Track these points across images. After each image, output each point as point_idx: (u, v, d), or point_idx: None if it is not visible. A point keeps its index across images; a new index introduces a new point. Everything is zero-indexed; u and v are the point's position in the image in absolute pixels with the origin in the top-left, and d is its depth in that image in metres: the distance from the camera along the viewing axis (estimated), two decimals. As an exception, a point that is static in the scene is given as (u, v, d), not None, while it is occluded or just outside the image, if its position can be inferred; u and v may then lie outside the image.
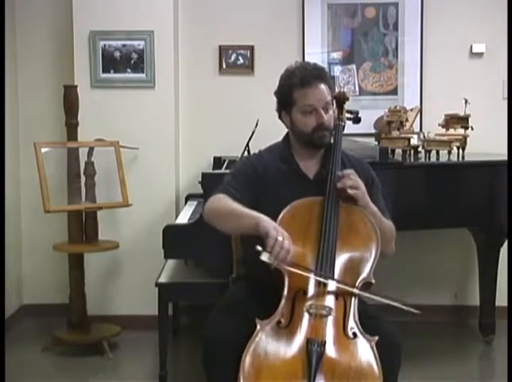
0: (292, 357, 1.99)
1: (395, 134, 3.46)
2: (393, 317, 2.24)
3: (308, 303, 2.10)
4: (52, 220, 3.88)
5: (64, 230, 3.73)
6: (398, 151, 3.41)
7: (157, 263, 3.40)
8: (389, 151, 3.34)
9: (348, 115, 2.55)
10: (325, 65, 4.09)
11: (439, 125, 3.74)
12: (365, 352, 2.02)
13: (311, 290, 2.14)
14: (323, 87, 2.36)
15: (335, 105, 2.49)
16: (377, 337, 2.04)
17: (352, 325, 2.08)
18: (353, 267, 2.22)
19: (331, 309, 2.10)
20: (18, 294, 4.18)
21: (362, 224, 2.29)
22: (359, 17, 4.12)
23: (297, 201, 2.29)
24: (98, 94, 3.93)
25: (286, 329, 2.06)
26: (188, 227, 3.06)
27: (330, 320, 2.07)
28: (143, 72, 3.94)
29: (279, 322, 2.07)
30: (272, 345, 2.02)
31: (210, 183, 3.05)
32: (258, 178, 2.39)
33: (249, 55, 4.10)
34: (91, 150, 3.74)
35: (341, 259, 2.21)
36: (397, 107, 3.59)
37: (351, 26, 4.13)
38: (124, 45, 3.93)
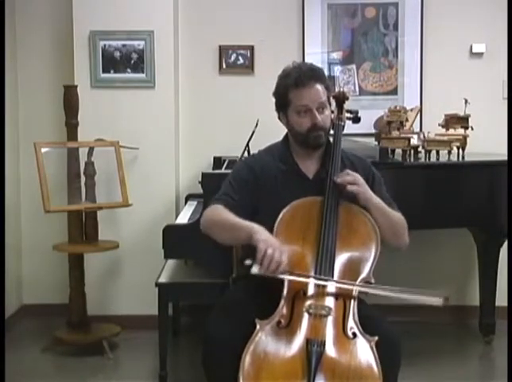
0: (292, 357, 1.99)
1: (395, 134, 3.46)
2: (392, 316, 2.24)
3: (308, 303, 2.11)
4: (52, 220, 3.88)
5: (64, 230, 3.74)
6: (398, 151, 3.42)
7: (157, 263, 3.40)
8: (389, 151, 3.35)
9: (348, 115, 2.55)
10: (325, 65, 4.10)
11: (439, 125, 3.74)
12: (365, 352, 2.02)
13: (310, 290, 2.14)
14: (318, 87, 2.36)
15: (334, 105, 2.49)
16: (376, 337, 2.04)
17: (352, 325, 2.08)
18: (352, 267, 2.22)
19: (330, 309, 2.10)
20: (18, 294, 4.18)
21: (361, 223, 2.29)
22: (359, 17, 4.11)
23: (297, 201, 2.29)
24: (98, 94, 3.93)
25: (286, 330, 2.06)
26: (188, 227, 3.06)
27: (329, 320, 2.07)
28: (143, 72, 3.94)
29: (279, 322, 2.07)
30: (272, 345, 2.02)
31: (210, 183, 3.06)
32: (256, 180, 2.40)
33: (249, 55, 4.11)
34: (91, 150, 3.74)
35: (340, 259, 2.22)
36: (397, 107, 3.59)
37: (351, 26, 4.13)
38: (124, 45, 3.93)
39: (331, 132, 2.47)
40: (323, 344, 1.99)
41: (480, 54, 4.11)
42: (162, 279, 3.15)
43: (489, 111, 4.05)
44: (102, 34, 3.91)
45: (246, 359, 1.99)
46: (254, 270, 2.08)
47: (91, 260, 3.88)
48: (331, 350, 2.00)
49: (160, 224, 3.14)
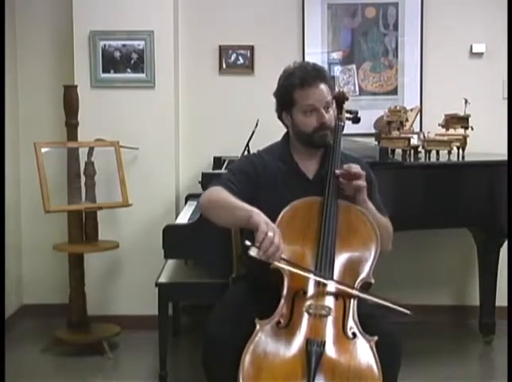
0: (292, 357, 1.99)
1: (395, 134, 3.46)
2: (393, 317, 2.24)
3: (308, 303, 2.10)
4: (52, 220, 3.88)
5: (64, 230, 3.74)
6: (398, 151, 3.42)
7: (157, 263, 3.40)
8: (389, 151, 3.35)
9: (348, 115, 2.55)
10: (325, 65, 4.10)
11: (439, 125, 3.74)
12: (364, 352, 2.01)
13: (310, 290, 2.14)
14: (323, 86, 2.36)
15: (334, 105, 2.49)
16: (376, 337, 2.04)
17: (352, 324, 2.08)
18: (352, 267, 2.22)
19: (330, 309, 2.09)
20: (18, 294, 4.18)
21: (361, 223, 2.29)
22: (359, 17, 4.11)
23: (297, 201, 2.29)
24: (98, 94, 3.93)
25: (286, 329, 2.05)
26: (188, 227, 3.06)
27: (329, 320, 2.07)
28: (143, 72, 3.94)
29: (278, 322, 2.07)
30: (271, 345, 2.02)
31: (210, 183, 3.05)
32: (258, 177, 2.40)
33: (249, 55, 4.11)
34: (91, 150, 3.74)
35: (340, 259, 2.22)
36: (397, 107, 3.59)
37: (351, 26, 4.13)
38: (124, 45, 3.93)
39: None
40: (323, 344, 1.99)
41: (480, 54, 4.11)
42: (162, 279, 3.15)
43: (489, 111, 4.05)
44: (102, 34, 3.91)
45: (246, 359, 1.98)
46: (252, 252, 2.06)
47: (91, 260, 3.88)
48: (330, 350, 2.00)
49: (160, 224, 3.13)
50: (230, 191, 2.30)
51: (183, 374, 3.44)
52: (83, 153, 3.73)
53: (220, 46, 4.11)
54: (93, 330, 3.69)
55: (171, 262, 3.42)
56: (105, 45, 3.92)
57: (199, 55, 4.13)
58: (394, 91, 4.15)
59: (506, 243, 3.57)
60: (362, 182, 2.30)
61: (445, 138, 3.59)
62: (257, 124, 3.58)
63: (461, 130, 3.68)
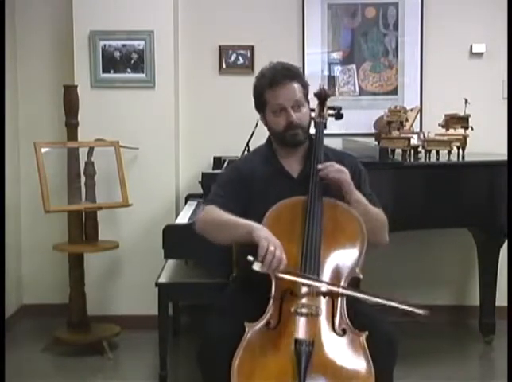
0: (282, 358, 1.99)
1: (395, 134, 3.46)
2: (392, 316, 2.24)
3: (296, 303, 2.11)
4: (52, 220, 3.88)
5: (64, 230, 3.74)
6: (398, 151, 3.41)
7: (157, 263, 3.40)
8: (389, 151, 3.34)
9: (330, 112, 2.54)
10: (325, 65, 4.11)
11: (439, 125, 3.74)
12: (355, 348, 2.02)
13: (298, 290, 2.14)
14: (292, 85, 2.37)
15: (317, 102, 2.50)
16: (366, 332, 2.04)
17: (341, 321, 2.08)
18: (340, 264, 2.21)
19: (318, 308, 2.10)
20: (18, 294, 4.18)
21: (347, 219, 2.29)
22: (359, 17, 4.11)
23: (282, 201, 2.30)
24: (98, 94, 3.93)
25: (275, 330, 2.06)
26: (188, 227, 3.05)
27: (318, 319, 2.07)
28: (143, 72, 3.94)
29: (268, 323, 2.08)
30: (261, 347, 2.02)
31: (210, 183, 3.04)
32: (245, 182, 2.41)
33: (249, 55, 4.10)
34: (91, 150, 3.74)
35: (327, 257, 2.21)
36: (397, 107, 3.59)
37: (351, 26, 4.12)
38: (124, 45, 3.93)
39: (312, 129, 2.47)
40: (311, 343, 1.99)
41: (480, 54, 4.11)
42: (162, 279, 3.15)
43: (489, 111, 4.05)
44: (102, 34, 3.91)
45: (237, 361, 1.99)
46: (256, 267, 2.08)
47: (91, 260, 3.88)
48: (320, 349, 2.00)
49: (160, 224, 3.13)
50: (223, 207, 2.31)
51: (183, 374, 3.44)
52: (83, 154, 3.73)
53: (220, 46, 4.11)
54: (93, 330, 3.69)
55: (171, 262, 3.42)
56: (105, 45, 3.92)
57: (199, 55, 4.13)
58: (394, 91, 4.14)
59: (506, 243, 3.56)
60: (341, 175, 2.29)
61: (445, 138, 3.59)
62: (257, 124, 3.57)
63: (461, 130, 3.68)
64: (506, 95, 3.98)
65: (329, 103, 2.54)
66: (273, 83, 2.37)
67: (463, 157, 3.62)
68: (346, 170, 2.33)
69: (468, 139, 3.67)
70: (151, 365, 3.40)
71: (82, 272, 3.70)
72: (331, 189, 2.33)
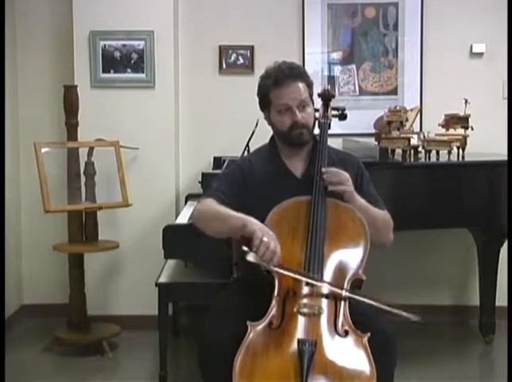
0: (284, 358, 1.98)
1: (395, 134, 3.46)
2: (392, 316, 2.24)
3: (299, 303, 2.10)
4: (52, 220, 3.88)
5: (64, 230, 3.74)
6: (398, 151, 3.41)
7: (157, 263, 3.40)
8: (389, 151, 3.34)
9: (334, 112, 2.54)
10: (325, 65, 4.11)
11: (439, 125, 3.74)
12: (357, 349, 2.01)
13: (301, 290, 2.14)
14: (297, 85, 2.37)
15: (320, 103, 2.50)
16: (369, 334, 2.04)
17: (343, 322, 2.07)
18: (342, 265, 2.21)
19: (321, 308, 2.09)
20: (18, 294, 4.18)
21: (350, 221, 2.29)
22: (359, 17, 4.11)
23: (285, 202, 2.30)
24: (98, 94, 3.93)
25: (278, 330, 2.05)
26: (188, 227, 3.05)
27: (321, 319, 2.07)
28: (143, 72, 3.94)
29: (270, 323, 2.07)
30: (264, 347, 2.02)
31: (210, 183, 3.05)
32: (247, 181, 2.41)
33: (249, 55, 4.11)
34: (91, 150, 3.74)
35: (330, 258, 2.21)
36: (397, 107, 3.59)
37: (351, 26, 4.12)
38: (124, 45, 3.93)
39: (318, 131, 2.47)
40: (314, 343, 1.99)
41: (480, 54, 4.11)
42: (162, 279, 3.15)
43: (489, 111, 4.05)
44: (102, 34, 3.91)
45: (239, 361, 1.99)
46: (250, 257, 2.09)
47: (91, 260, 3.88)
48: (322, 349, 2.00)
49: (160, 224, 3.13)
50: (221, 201, 2.32)
51: (183, 374, 3.44)
52: (83, 153, 3.73)
53: (220, 46, 4.11)
54: (93, 330, 3.69)
55: (171, 262, 3.42)
56: (105, 45, 3.92)
57: (199, 55, 4.13)
58: (394, 91, 4.14)
59: (506, 243, 3.56)
60: (344, 187, 2.30)
61: (445, 138, 3.59)
62: (257, 124, 3.57)
63: (461, 130, 3.68)
64: (506, 95, 3.98)
65: (332, 103, 2.54)
66: (278, 83, 2.36)
67: (463, 157, 3.62)
68: (348, 178, 2.32)
69: (468, 139, 3.67)
70: (151, 365, 3.40)
71: (82, 272, 3.70)
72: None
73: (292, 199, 2.31)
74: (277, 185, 2.39)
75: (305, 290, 2.14)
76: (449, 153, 3.50)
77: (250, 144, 3.51)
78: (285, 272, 2.12)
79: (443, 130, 3.72)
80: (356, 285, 2.22)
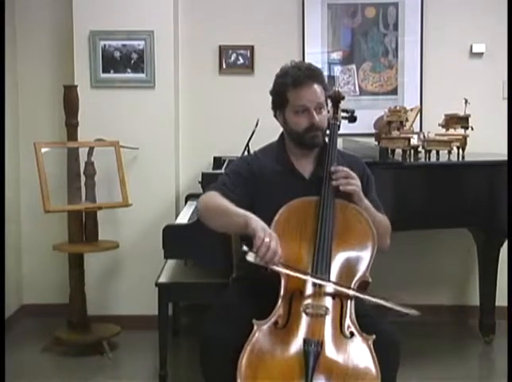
0: (290, 358, 1.99)
1: (395, 134, 3.46)
2: (392, 316, 2.24)
3: (305, 303, 2.11)
4: (52, 220, 3.88)
5: (64, 230, 3.74)
6: (398, 151, 3.41)
7: (157, 263, 3.40)
8: (389, 151, 3.34)
9: (344, 114, 2.55)
10: (325, 65, 4.10)
11: (439, 125, 3.74)
12: (362, 351, 2.02)
13: (307, 290, 2.14)
14: (316, 87, 2.36)
15: (330, 104, 2.49)
16: (374, 336, 2.04)
17: (349, 324, 2.08)
18: (349, 267, 2.22)
19: (327, 308, 2.10)
20: (18, 294, 4.18)
21: (358, 222, 2.29)
22: (359, 17, 4.11)
23: (293, 201, 2.30)
24: (98, 94, 3.93)
25: (283, 330, 2.06)
26: (188, 227, 3.06)
27: (327, 320, 2.07)
28: (143, 72, 3.94)
29: (276, 323, 2.07)
30: (269, 346, 2.02)
31: (210, 183, 3.05)
32: (254, 178, 2.41)
33: (249, 55, 4.11)
34: (91, 150, 3.74)
35: (337, 259, 2.22)
36: (397, 107, 3.59)
37: (351, 26, 4.13)
38: (124, 45, 3.93)
39: (327, 132, 2.47)
40: (320, 344, 1.99)
41: (480, 54, 4.11)
42: (162, 279, 3.15)
43: (489, 111, 4.05)
44: (102, 34, 3.91)
45: (244, 360, 1.99)
46: (250, 257, 2.08)
47: (91, 260, 3.88)
48: (328, 350, 2.00)
49: (160, 224, 3.13)
50: (226, 196, 2.31)
51: (183, 374, 3.44)
52: (83, 154, 3.73)
53: (220, 46, 4.11)
54: (93, 330, 3.69)
55: (171, 262, 3.42)
56: (105, 45, 3.92)
57: (199, 55, 4.13)
58: (394, 91, 4.15)
59: (506, 243, 3.57)
60: (354, 188, 2.30)
61: (445, 138, 3.59)
62: (257, 124, 3.57)
63: (461, 130, 3.68)
64: (506, 95, 3.98)
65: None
66: (298, 83, 2.35)
67: (463, 157, 3.62)
68: (357, 177, 2.33)
69: (468, 139, 3.67)
70: (151, 365, 3.40)
71: (82, 272, 3.70)
72: (341, 191, 2.33)
73: (301, 199, 2.31)
74: (285, 185, 2.39)
75: (312, 290, 2.14)
76: (449, 153, 3.51)
77: (250, 144, 3.52)
78: (295, 274, 2.12)
79: (443, 130, 3.72)
80: (362, 287, 2.21)
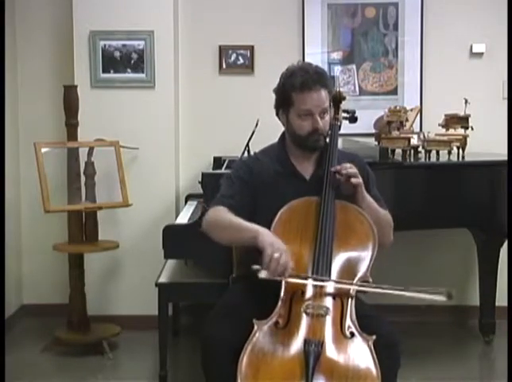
0: (290, 358, 1.99)
1: (395, 134, 3.46)
2: (392, 316, 2.25)
3: (306, 303, 2.11)
4: (52, 220, 3.88)
5: (64, 230, 3.73)
6: (398, 151, 3.41)
7: (157, 263, 3.40)
8: (389, 151, 3.34)
9: (344, 115, 2.56)
10: (325, 65, 4.10)
11: (439, 125, 3.74)
12: (363, 351, 2.02)
13: (308, 290, 2.14)
14: (322, 92, 2.35)
15: (331, 105, 2.49)
16: (374, 336, 2.04)
17: (349, 324, 2.08)
18: (350, 267, 2.22)
19: (328, 309, 2.10)
20: (18, 294, 4.18)
21: (358, 223, 2.30)
22: (359, 17, 4.11)
23: (294, 202, 2.30)
24: (98, 94, 3.93)
25: (284, 330, 2.06)
26: (188, 227, 3.06)
27: (327, 320, 2.07)
28: (143, 72, 3.94)
29: (277, 323, 2.07)
30: (270, 346, 2.02)
31: (210, 183, 3.06)
32: (255, 180, 2.41)
33: (249, 55, 4.11)
34: (91, 150, 3.74)
35: (338, 259, 2.22)
36: (397, 107, 3.59)
37: (351, 26, 4.12)
38: (124, 45, 3.93)
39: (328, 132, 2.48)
40: (320, 344, 1.99)
41: (480, 54, 4.11)
42: (162, 279, 3.15)
43: (489, 111, 4.05)
44: (102, 34, 3.91)
45: (244, 359, 1.99)
46: (263, 275, 2.09)
47: (91, 260, 3.88)
48: (328, 350, 2.00)
49: (160, 224, 3.14)
50: (232, 208, 2.31)
51: (183, 374, 3.44)
52: (83, 154, 3.73)
53: (220, 46, 4.10)
54: (93, 330, 3.69)
55: (171, 262, 3.42)
56: (105, 45, 3.92)
57: (199, 55, 4.13)
58: (394, 91, 4.15)
59: (506, 243, 3.56)
60: (358, 180, 2.31)
61: (445, 138, 3.59)
62: (257, 124, 3.57)
63: (461, 130, 3.68)
64: (506, 95, 3.98)
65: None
66: (305, 87, 2.33)
67: (463, 157, 3.62)
68: (359, 175, 2.33)
69: (468, 139, 3.67)
70: (151, 365, 3.40)
71: (82, 272, 3.70)
72: (342, 191, 2.34)
73: (302, 199, 2.32)
74: (286, 186, 2.39)
75: (312, 290, 2.14)
76: (449, 153, 3.51)
77: (250, 144, 3.52)
78: (297, 281, 2.13)
79: (443, 130, 3.72)
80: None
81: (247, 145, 3.53)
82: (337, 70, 4.15)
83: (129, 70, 3.95)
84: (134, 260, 4.00)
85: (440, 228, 3.63)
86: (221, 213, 2.31)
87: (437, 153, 3.49)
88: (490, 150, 3.85)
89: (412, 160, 3.45)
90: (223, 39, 4.10)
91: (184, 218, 3.33)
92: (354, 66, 4.15)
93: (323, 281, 2.14)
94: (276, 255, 2.07)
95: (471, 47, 4.10)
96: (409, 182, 3.33)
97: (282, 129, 2.52)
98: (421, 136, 3.69)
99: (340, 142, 3.87)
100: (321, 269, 2.16)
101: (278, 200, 2.30)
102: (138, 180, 3.91)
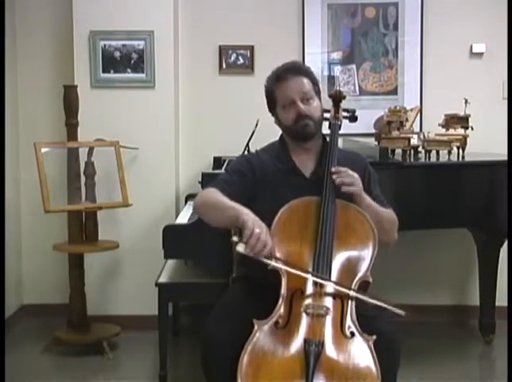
0: (290, 357, 1.99)
1: (395, 134, 3.46)
2: (392, 316, 2.24)
3: (306, 303, 2.10)
4: (52, 220, 3.88)
5: (64, 230, 3.74)
6: (398, 151, 3.41)
7: (157, 263, 3.40)
8: (389, 151, 3.34)
9: (345, 114, 2.55)
10: (325, 65, 4.12)
11: (439, 125, 3.74)
12: (363, 351, 2.01)
13: (308, 290, 2.14)
14: (300, 79, 2.39)
15: (331, 104, 2.50)
16: (375, 336, 2.04)
17: (350, 324, 2.07)
18: (350, 266, 2.22)
19: (328, 308, 2.09)
20: (18, 294, 4.18)
21: (359, 222, 2.29)
22: (359, 17, 4.11)
23: (294, 201, 2.30)
24: (98, 94, 3.93)
25: (284, 330, 2.05)
26: (188, 227, 3.06)
27: (327, 320, 2.07)
28: (143, 72, 3.94)
29: (277, 323, 2.07)
30: (270, 345, 2.02)
31: (210, 183, 3.05)
32: (255, 176, 2.42)
33: (249, 55, 4.11)
34: (91, 150, 3.74)
35: (338, 259, 2.22)
36: (397, 107, 3.58)
37: (351, 26, 4.13)
38: (124, 45, 3.93)
39: (328, 131, 2.47)
40: (321, 344, 1.99)
41: (480, 54, 4.11)
42: (162, 279, 3.15)
43: (489, 111, 4.05)
44: (102, 34, 3.91)
45: (244, 359, 1.99)
46: (240, 248, 2.08)
47: (91, 260, 3.88)
48: (329, 350, 2.00)
49: (160, 224, 3.13)
50: (224, 192, 2.32)
51: (183, 374, 3.44)
52: (83, 154, 3.73)
53: (220, 46, 4.11)
54: (93, 330, 3.69)
55: (171, 262, 3.42)
56: (105, 45, 3.92)
57: (199, 55, 4.13)
58: (394, 91, 4.15)
59: (506, 243, 3.57)
60: (354, 188, 2.30)
61: (445, 138, 3.59)
62: (257, 124, 3.57)
63: (461, 130, 3.68)
64: (506, 95, 3.98)
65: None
66: (280, 77, 2.40)
67: (463, 157, 3.62)
68: (358, 178, 2.32)
69: (468, 139, 3.67)
70: (151, 365, 3.41)
71: (82, 272, 3.70)
72: (343, 191, 2.33)
73: (302, 198, 2.31)
74: (286, 183, 2.40)
75: (313, 289, 2.14)
76: (449, 153, 3.51)
77: (250, 144, 3.52)
78: (296, 271, 2.12)
79: (443, 130, 3.72)
80: (363, 287, 2.21)
81: (247, 145, 3.53)
82: (337, 70, 4.15)
83: (129, 70, 3.95)
84: (134, 260, 4.00)
85: (440, 228, 3.63)
86: (210, 193, 2.33)
87: (437, 153, 3.49)
88: (490, 150, 3.85)
89: (412, 160, 3.45)
90: (223, 39, 4.10)
91: (184, 218, 3.33)
92: (354, 66, 4.15)
93: (323, 279, 2.14)
94: (257, 230, 2.08)
95: (471, 47, 4.10)
96: (409, 182, 3.33)
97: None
98: (421, 136, 3.69)
99: (340, 142, 3.87)
100: (321, 268, 2.15)
101: (278, 198, 2.30)
102: (138, 180, 3.91)
